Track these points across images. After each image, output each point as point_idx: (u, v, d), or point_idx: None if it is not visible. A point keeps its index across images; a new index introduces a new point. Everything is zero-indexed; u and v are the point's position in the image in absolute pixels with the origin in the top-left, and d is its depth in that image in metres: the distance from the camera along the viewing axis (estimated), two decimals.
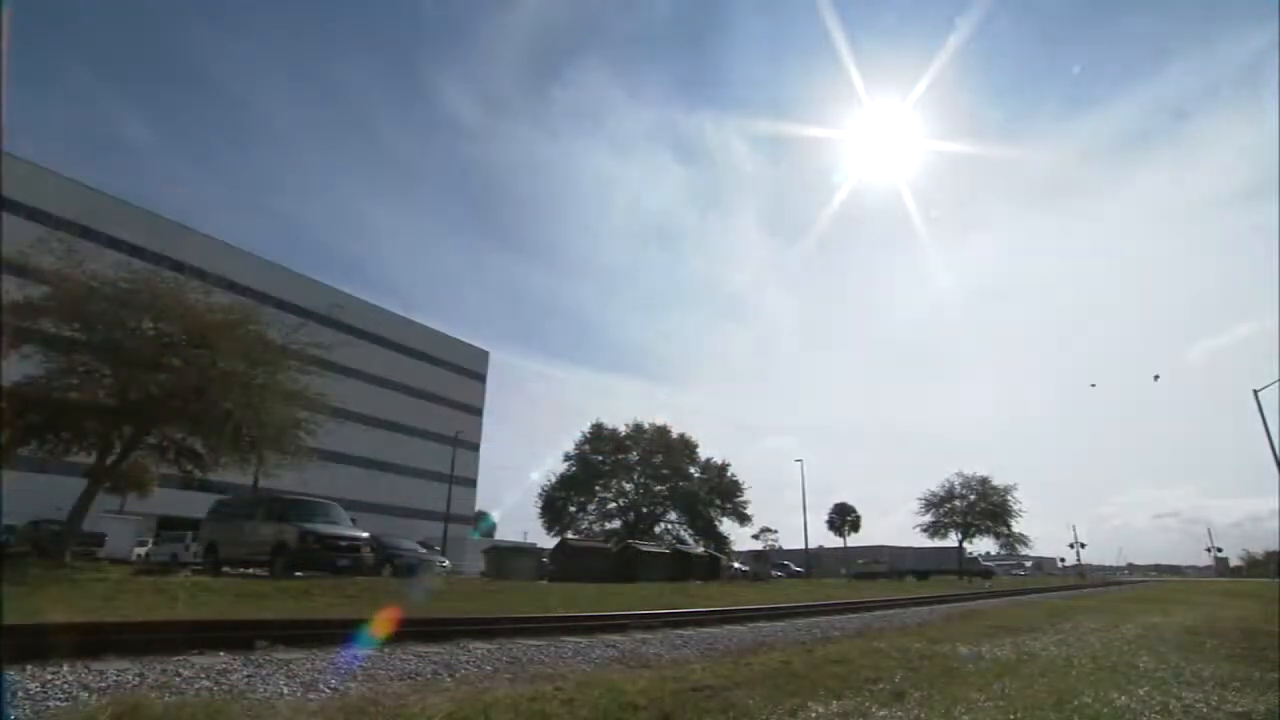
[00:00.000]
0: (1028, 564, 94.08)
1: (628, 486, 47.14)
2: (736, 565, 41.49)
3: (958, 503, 57.99)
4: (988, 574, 52.28)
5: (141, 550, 29.27)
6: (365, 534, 16.48)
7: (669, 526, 47.13)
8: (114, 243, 39.93)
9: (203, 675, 3.74)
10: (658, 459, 47.23)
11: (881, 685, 4.43)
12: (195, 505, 25.12)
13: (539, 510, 46.15)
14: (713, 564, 30.17)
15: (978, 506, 57.22)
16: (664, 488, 47.32)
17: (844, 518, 65.79)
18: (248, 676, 3.81)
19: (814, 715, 3.59)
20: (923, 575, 52.63)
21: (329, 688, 3.69)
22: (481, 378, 76.71)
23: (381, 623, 5.46)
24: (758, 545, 65.26)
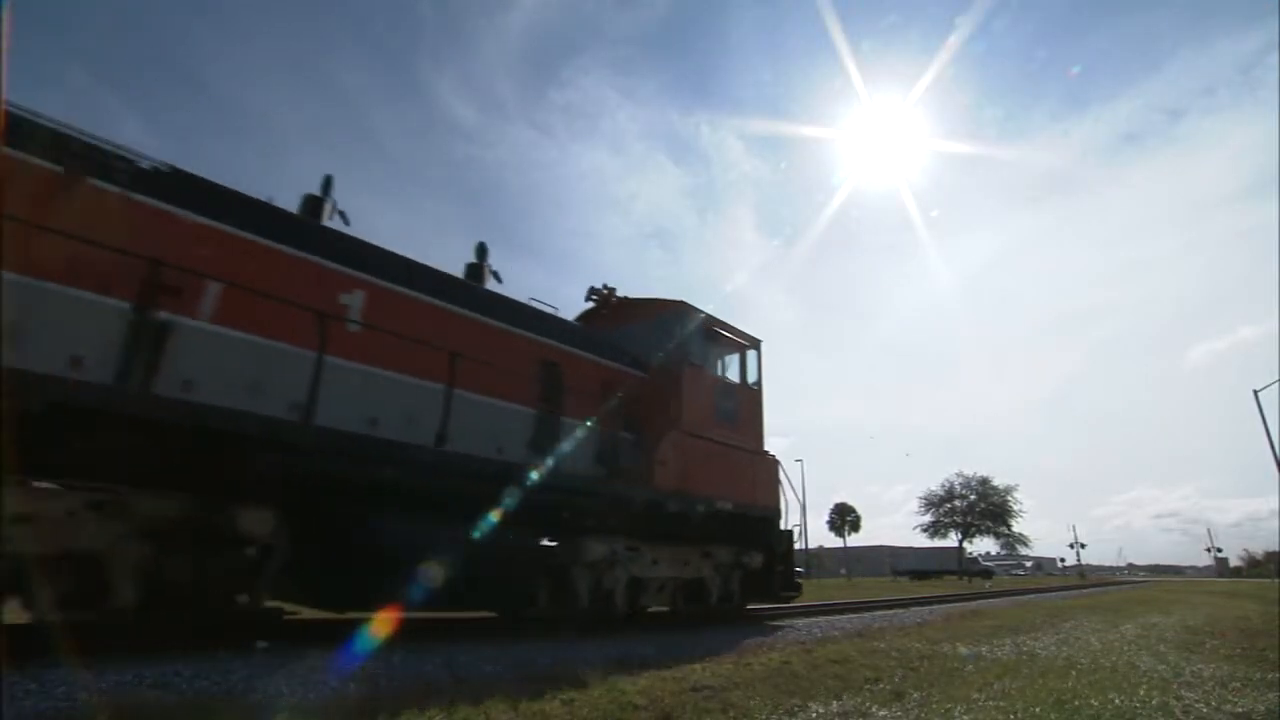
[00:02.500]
0: (1028, 564, 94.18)
1: None
2: None
3: (958, 503, 58.06)
4: (988, 574, 52.31)
5: None
6: None
7: None
8: None
9: (203, 675, 3.74)
10: None
11: (881, 685, 4.43)
12: None
13: None
14: None
15: (978, 507, 57.26)
16: None
17: (844, 518, 65.80)
18: (248, 676, 3.81)
19: (814, 715, 3.59)
20: (923, 575, 52.67)
21: (329, 687, 3.70)
22: None
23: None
24: None
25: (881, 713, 3.69)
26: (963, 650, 6.33)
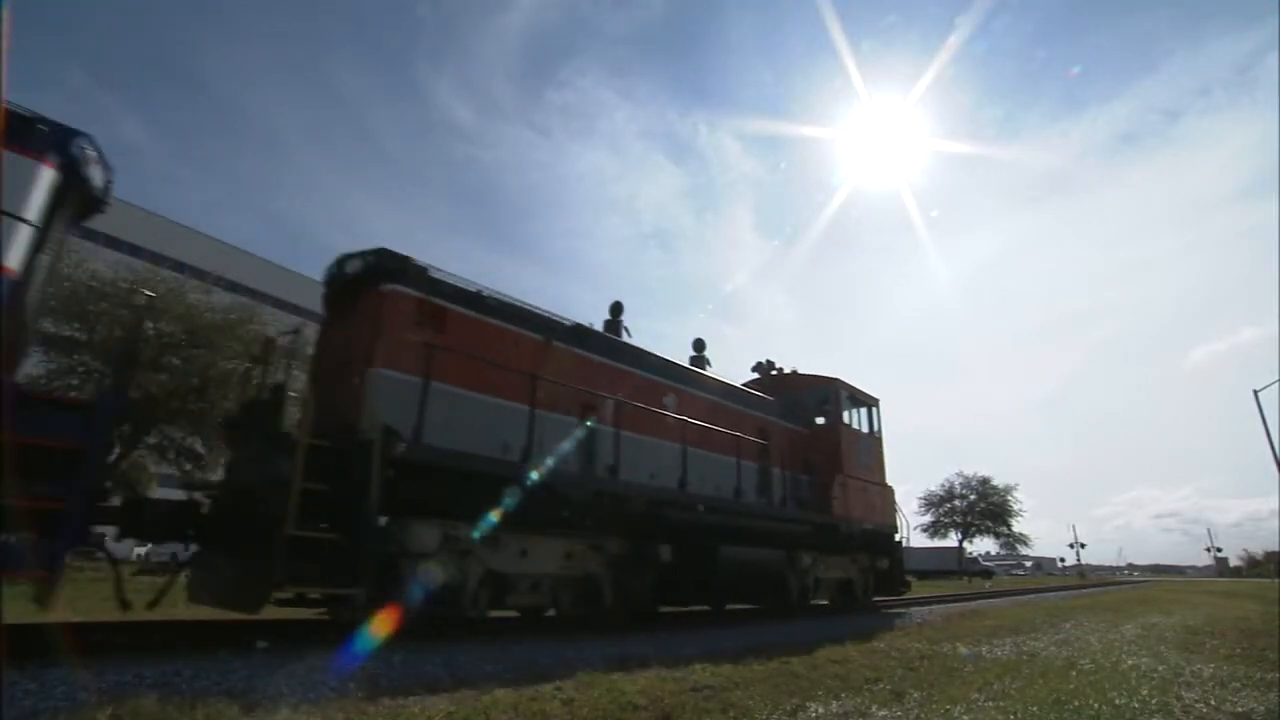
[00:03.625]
0: (1028, 564, 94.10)
1: None
2: None
3: (958, 503, 57.92)
4: (988, 574, 52.26)
5: (141, 550, 29.29)
6: None
7: None
8: (114, 243, 39.95)
9: (203, 675, 3.74)
10: None
11: (881, 685, 4.43)
12: None
13: None
14: None
15: (978, 506, 57.15)
16: None
17: None
18: (248, 676, 3.81)
19: (814, 715, 3.59)
20: (923, 575, 52.61)
21: (329, 687, 3.69)
22: None
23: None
24: None
25: (881, 713, 3.69)
26: (963, 650, 6.33)
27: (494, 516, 5.93)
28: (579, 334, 8.03)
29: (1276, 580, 42.61)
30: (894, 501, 13.35)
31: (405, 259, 6.36)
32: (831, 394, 12.34)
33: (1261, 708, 4.11)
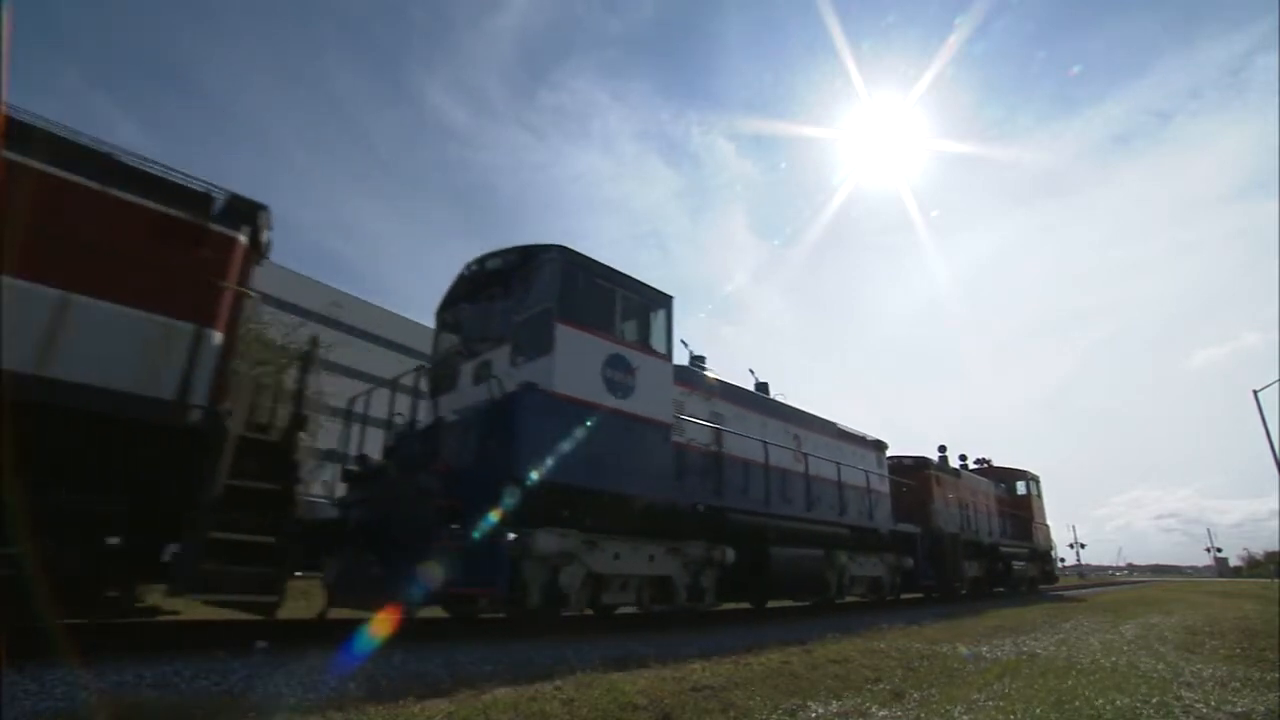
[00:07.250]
0: None
1: None
2: None
3: None
4: None
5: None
6: None
7: None
8: None
9: (203, 675, 3.74)
10: None
11: (881, 685, 4.43)
12: None
13: None
14: None
15: None
16: None
17: None
18: (248, 676, 3.81)
19: (814, 715, 3.59)
20: None
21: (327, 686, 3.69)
22: None
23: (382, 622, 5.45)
24: None
25: (881, 713, 3.69)
26: (963, 650, 6.33)
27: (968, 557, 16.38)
28: (951, 470, 17.44)
29: (1276, 580, 42.58)
30: (1050, 534, 25.09)
31: (930, 460, 16.24)
32: (1022, 478, 23.08)
33: (1261, 708, 4.11)
